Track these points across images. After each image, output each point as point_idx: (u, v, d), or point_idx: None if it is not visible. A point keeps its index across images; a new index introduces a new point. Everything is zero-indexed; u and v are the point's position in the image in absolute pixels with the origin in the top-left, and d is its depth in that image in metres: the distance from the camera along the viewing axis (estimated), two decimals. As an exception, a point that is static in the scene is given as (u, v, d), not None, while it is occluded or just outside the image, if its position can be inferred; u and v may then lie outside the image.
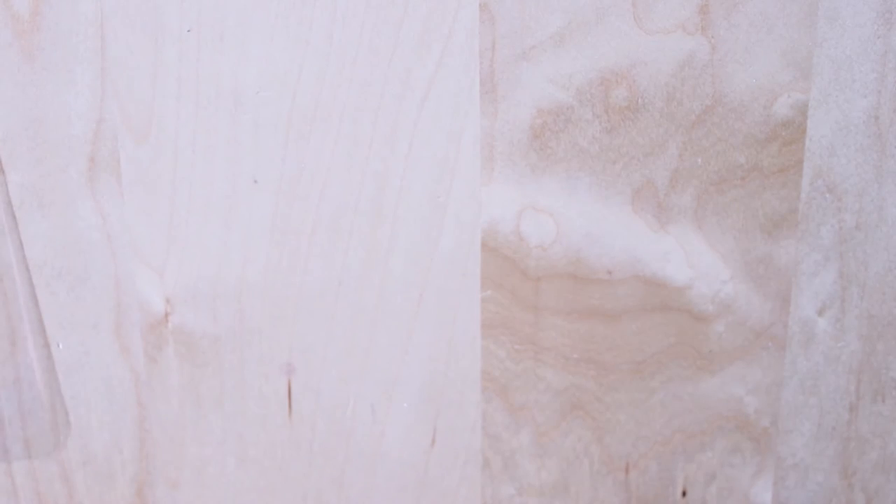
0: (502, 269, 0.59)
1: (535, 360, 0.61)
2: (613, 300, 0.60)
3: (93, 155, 0.56)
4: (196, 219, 0.57)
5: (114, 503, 0.63)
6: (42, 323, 0.59)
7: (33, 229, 0.57)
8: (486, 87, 0.56)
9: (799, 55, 0.56)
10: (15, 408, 0.60)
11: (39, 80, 0.54)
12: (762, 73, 0.56)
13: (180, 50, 0.54)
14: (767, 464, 0.64)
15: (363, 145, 0.56)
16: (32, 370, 0.60)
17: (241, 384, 0.61)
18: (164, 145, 0.56)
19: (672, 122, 0.57)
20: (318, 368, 0.61)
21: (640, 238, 0.59)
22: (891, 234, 0.60)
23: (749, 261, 0.60)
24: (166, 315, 0.59)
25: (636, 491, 0.65)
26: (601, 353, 0.62)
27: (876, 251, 0.60)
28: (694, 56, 0.55)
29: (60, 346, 0.59)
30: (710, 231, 0.59)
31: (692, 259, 0.60)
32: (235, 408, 0.62)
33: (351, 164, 0.57)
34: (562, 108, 0.56)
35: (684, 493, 0.65)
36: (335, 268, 0.59)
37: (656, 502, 0.65)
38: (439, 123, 0.56)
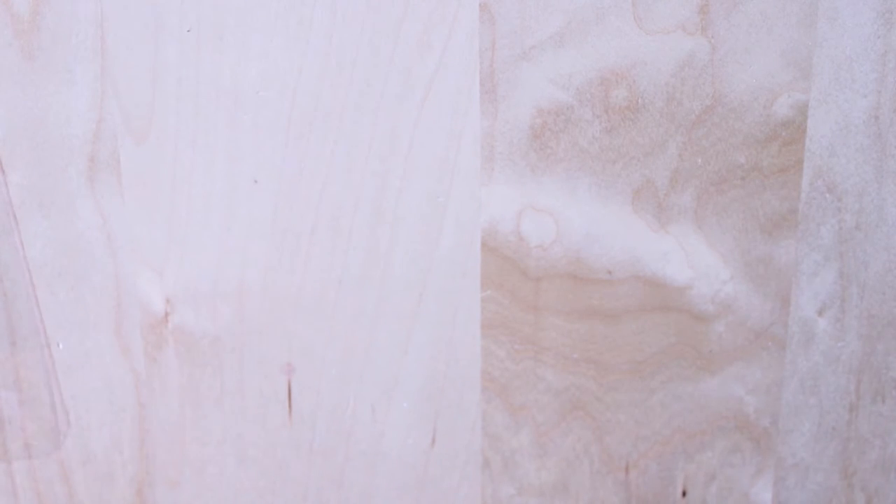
0: (502, 269, 0.59)
1: (535, 360, 0.61)
2: (613, 300, 0.60)
3: (93, 155, 0.56)
4: (196, 219, 0.57)
5: (114, 503, 0.63)
6: (42, 323, 0.59)
7: (33, 229, 0.57)
8: (486, 87, 0.56)
9: (799, 55, 0.56)
10: (15, 408, 0.60)
11: (39, 79, 0.54)
12: (762, 73, 0.56)
13: (180, 50, 0.54)
14: (767, 464, 0.64)
15: (363, 145, 0.56)
16: (32, 370, 0.60)
17: (241, 384, 0.61)
18: (164, 145, 0.56)
19: (672, 122, 0.57)
20: (318, 368, 0.61)
21: (640, 238, 0.59)
22: (891, 234, 0.60)
23: (749, 261, 0.60)
24: (166, 315, 0.59)
25: (636, 491, 0.65)
26: (601, 353, 0.62)
27: (876, 251, 0.60)
28: (694, 56, 0.55)
29: (60, 346, 0.59)
30: (710, 231, 0.59)
31: (692, 259, 0.60)
32: (235, 408, 0.62)
33: (351, 164, 0.57)
34: (562, 108, 0.56)
35: (684, 493, 0.65)
36: (335, 268, 0.59)
37: (656, 502, 0.65)
38: (439, 123, 0.56)
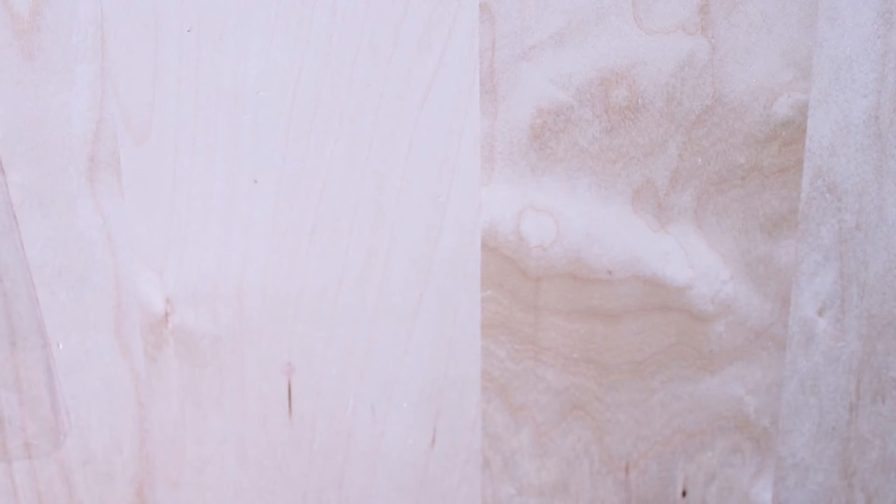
0: (502, 269, 0.59)
1: (535, 360, 0.61)
2: (613, 300, 0.60)
3: (93, 155, 0.56)
4: (196, 219, 0.57)
5: (114, 503, 0.63)
6: (42, 323, 0.59)
7: (33, 229, 0.57)
8: (486, 87, 0.56)
9: (799, 55, 0.56)
10: (15, 408, 0.60)
11: (39, 79, 0.54)
12: (762, 73, 0.56)
13: (180, 50, 0.54)
14: (767, 464, 0.64)
15: (363, 145, 0.56)
16: (32, 370, 0.60)
17: (241, 384, 0.61)
18: (164, 145, 0.56)
19: (672, 122, 0.57)
20: (318, 368, 0.61)
21: (640, 238, 0.59)
22: (891, 234, 0.60)
23: (749, 261, 0.60)
24: (166, 315, 0.59)
25: (636, 491, 0.65)
26: (601, 353, 0.62)
27: (876, 251, 0.60)
28: (694, 56, 0.55)
29: (60, 346, 0.59)
30: (710, 231, 0.59)
31: (692, 259, 0.60)
32: (235, 408, 0.62)
33: (351, 164, 0.57)
34: (562, 108, 0.56)
35: (684, 493, 0.65)
36: (335, 268, 0.59)
37: (656, 502, 0.65)
38: (439, 123, 0.56)
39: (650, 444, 0.64)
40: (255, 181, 0.57)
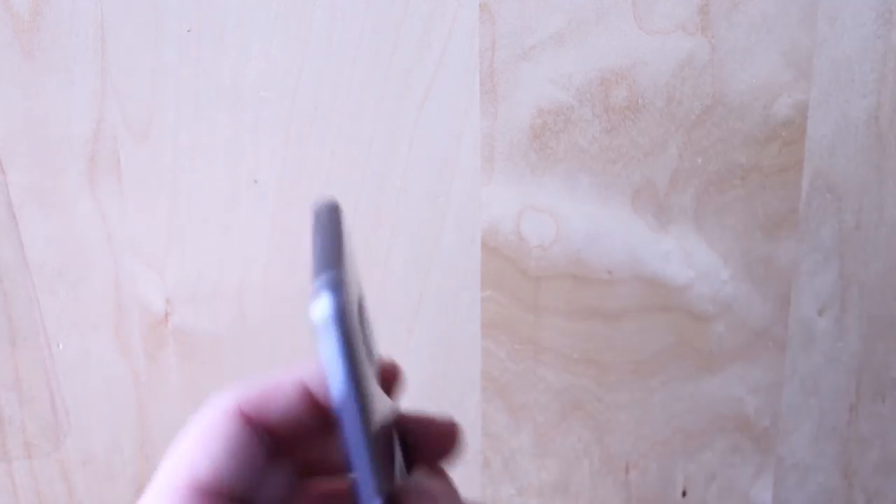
0: (502, 269, 0.59)
1: (535, 360, 0.61)
2: (613, 300, 0.60)
3: (93, 155, 0.56)
4: (196, 219, 0.57)
5: (114, 503, 0.63)
6: (42, 323, 0.59)
7: (33, 229, 0.57)
8: (486, 87, 0.56)
9: (799, 55, 0.56)
10: (15, 408, 0.60)
11: (39, 80, 0.54)
12: (762, 73, 0.56)
13: (180, 50, 0.54)
14: (767, 464, 0.64)
15: (363, 145, 0.56)
16: (32, 370, 0.60)
17: (241, 384, 0.61)
18: (164, 145, 0.56)
19: (672, 122, 0.57)
20: (318, 368, 0.61)
21: (640, 238, 0.59)
22: (891, 234, 0.60)
23: (749, 261, 0.60)
24: (166, 315, 0.59)
25: (636, 491, 0.65)
26: (601, 353, 0.62)
27: (876, 251, 0.60)
28: (694, 56, 0.55)
29: (60, 346, 0.59)
30: (710, 231, 0.59)
31: (692, 259, 0.60)
32: (235, 408, 0.62)
33: (351, 164, 0.57)
34: (562, 108, 0.56)
35: (684, 493, 0.65)
36: (335, 268, 0.59)
37: (656, 502, 0.65)
38: (439, 123, 0.56)
39: (650, 444, 0.64)
40: (255, 181, 0.57)
